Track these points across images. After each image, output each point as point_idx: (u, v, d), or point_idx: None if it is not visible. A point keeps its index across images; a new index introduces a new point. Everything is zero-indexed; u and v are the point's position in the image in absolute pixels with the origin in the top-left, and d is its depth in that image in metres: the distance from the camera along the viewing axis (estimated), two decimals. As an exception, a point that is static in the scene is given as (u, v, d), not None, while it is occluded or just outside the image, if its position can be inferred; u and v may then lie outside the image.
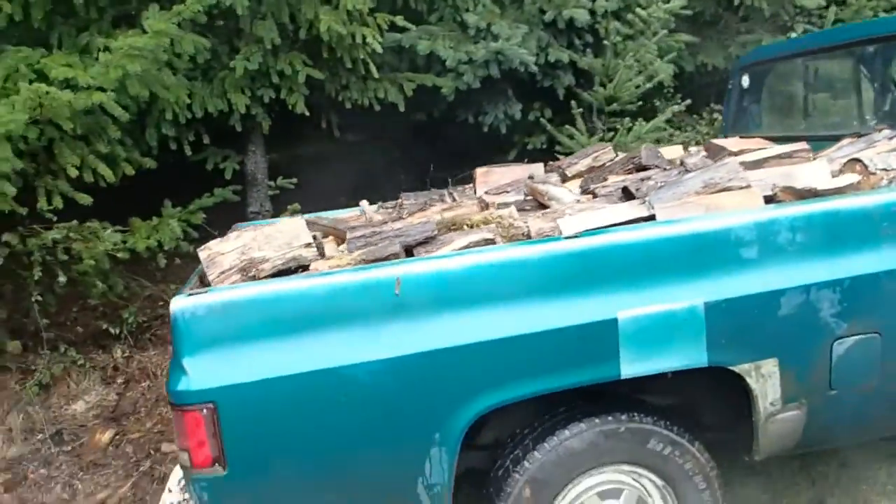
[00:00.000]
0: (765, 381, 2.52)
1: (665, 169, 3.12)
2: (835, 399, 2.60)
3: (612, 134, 5.59)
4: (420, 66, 5.27)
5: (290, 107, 4.85)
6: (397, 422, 2.36)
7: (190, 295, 2.32)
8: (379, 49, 4.65)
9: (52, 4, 4.09)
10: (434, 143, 5.79)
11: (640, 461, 2.59)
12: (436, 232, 2.74)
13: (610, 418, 2.55)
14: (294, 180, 5.08)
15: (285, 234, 2.72)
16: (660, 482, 2.63)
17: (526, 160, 4.73)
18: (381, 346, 2.32)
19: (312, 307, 2.34)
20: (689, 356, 2.46)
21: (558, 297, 2.40)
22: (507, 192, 3.56)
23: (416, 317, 2.34)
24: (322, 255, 2.79)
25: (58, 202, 4.19)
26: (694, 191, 2.80)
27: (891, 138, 2.96)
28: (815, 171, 2.80)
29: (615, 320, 2.39)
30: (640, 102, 5.64)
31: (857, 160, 2.77)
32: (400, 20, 4.86)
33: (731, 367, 2.50)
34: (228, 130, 4.99)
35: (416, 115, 5.71)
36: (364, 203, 3.25)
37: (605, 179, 3.17)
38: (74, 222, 4.21)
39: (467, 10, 5.16)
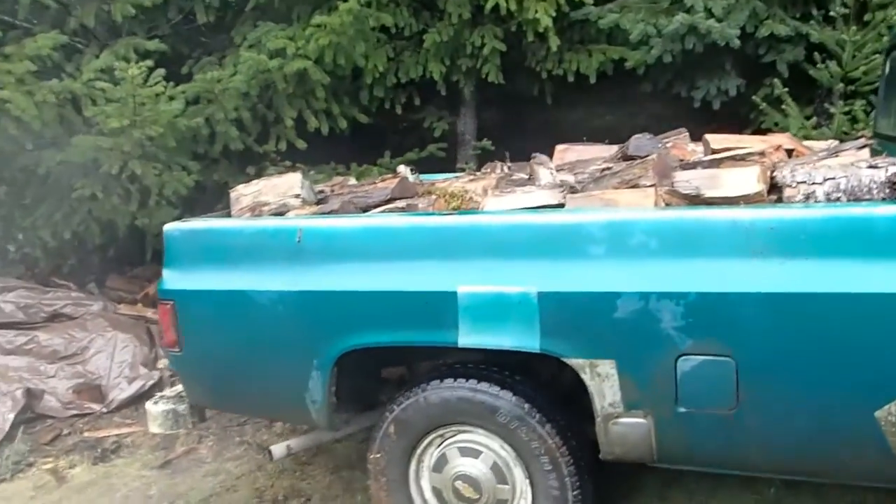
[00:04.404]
0: (601, 380, 2.53)
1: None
2: (686, 417, 2.47)
3: (845, 117, 4.95)
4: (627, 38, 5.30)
5: (483, 76, 5.38)
6: (287, 343, 2.94)
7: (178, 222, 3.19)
8: (548, 23, 4.90)
9: (287, -11, 5.22)
10: (648, 115, 5.74)
11: (490, 429, 2.78)
12: (389, 196, 3.18)
13: (464, 382, 2.78)
14: (489, 142, 5.63)
15: (284, 186, 3.41)
16: (513, 454, 2.79)
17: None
18: (278, 281, 2.90)
19: (238, 242, 3.03)
20: (521, 339, 2.58)
21: (415, 264, 2.72)
22: (563, 169, 3.70)
23: (306, 262, 2.87)
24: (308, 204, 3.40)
25: (282, 146, 5.38)
26: (611, 185, 2.80)
27: (859, 148, 2.51)
28: (742, 178, 2.56)
29: (455, 293, 2.64)
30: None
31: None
32: (577, -5, 5.04)
33: (564, 359, 2.55)
34: (444, 94, 5.70)
35: (636, 87, 5.73)
36: (401, 167, 3.73)
37: (589, 167, 3.21)
38: (287, 162, 5.35)
39: (666, -18, 5.05)
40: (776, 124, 5.18)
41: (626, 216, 2.52)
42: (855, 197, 2.35)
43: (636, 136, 3.17)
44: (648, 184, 2.66)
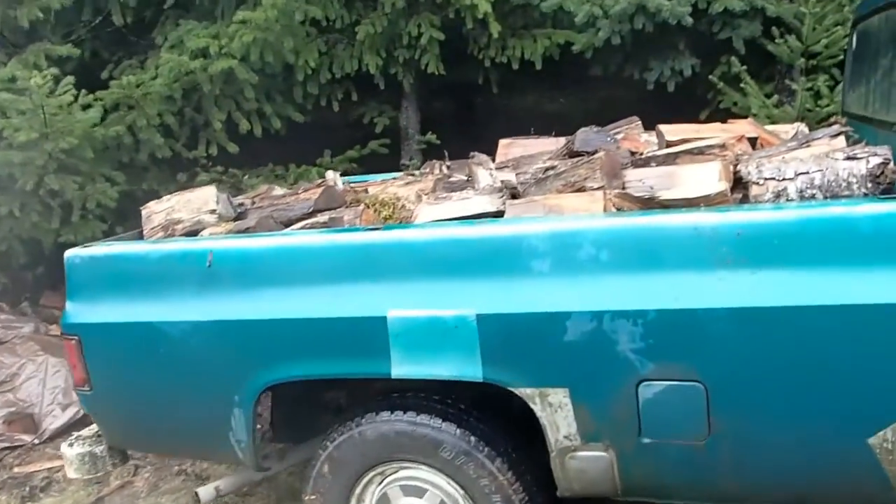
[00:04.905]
0: (554, 410, 2.24)
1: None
2: (652, 449, 2.19)
3: (808, 94, 4.71)
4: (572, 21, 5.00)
5: (423, 66, 5.06)
6: (205, 379, 2.61)
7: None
8: (487, 8, 4.59)
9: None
10: (600, 99, 5.46)
11: (434, 465, 2.48)
12: (312, 208, 2.86)
13: (402, 415, 2.47)
14: (434, 136, 5.32)
15: (199, 201, 3.07)
16: (461, 492, 2.49)
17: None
18: (189, 310, 2.57)
19: (145, 269, 2.68)
20: (461, 368, 2.29)
21: (339, 287, 2.40)
22: (506, 167, 3.40)
23: (219, 288, 2.54)
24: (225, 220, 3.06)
25: (213, 150, 5.02)
26: (555, 188, 2.51)
27: (834, 136, 2.24)
28: (702, 176, 2.28)
29: (384, 318, 2.33)
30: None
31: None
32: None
33: (510, 388, 2.26)
34: (383, 88, 5.36)
35: (586, 71, 5.44)
36: (329, 173, 3.39)
37: (534, 164, 2.91)
38: (220, 167, 5.00)
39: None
40: (735, 104, 4.93)
41: (572, 225, 2.22)
42: (832, 194, 2.08)
43: (583, 128, 2.87)
44: (596, 186, 2.38)
